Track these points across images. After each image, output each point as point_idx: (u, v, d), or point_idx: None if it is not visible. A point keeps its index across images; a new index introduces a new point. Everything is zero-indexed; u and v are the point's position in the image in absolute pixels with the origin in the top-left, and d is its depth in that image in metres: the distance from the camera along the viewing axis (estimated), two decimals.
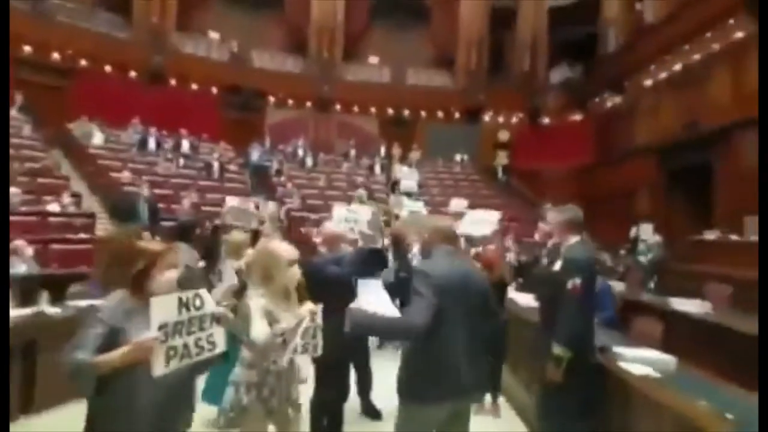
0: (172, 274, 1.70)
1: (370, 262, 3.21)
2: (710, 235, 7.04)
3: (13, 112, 10.70)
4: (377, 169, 14.75)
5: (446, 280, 1.95)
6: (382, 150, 15.90)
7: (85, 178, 10.39)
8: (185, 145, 12.59)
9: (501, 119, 17.06)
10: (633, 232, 9.72)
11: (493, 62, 17.23)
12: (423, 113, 17.24)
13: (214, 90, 15.81)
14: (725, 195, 9.50)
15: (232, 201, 5.83)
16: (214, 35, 16.78)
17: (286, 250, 2.14)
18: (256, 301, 1.99)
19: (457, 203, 6.94)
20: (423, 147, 16.20)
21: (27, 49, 12.47)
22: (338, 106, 17.19)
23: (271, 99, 16.69)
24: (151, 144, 12.19)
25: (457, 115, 17.19)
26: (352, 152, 15.74)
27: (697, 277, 5.18)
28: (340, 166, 14.87)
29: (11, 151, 8.75)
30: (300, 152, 14.76)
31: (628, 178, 12.39)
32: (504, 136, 16.83)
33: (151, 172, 10.98)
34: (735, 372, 2.54)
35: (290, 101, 16.91)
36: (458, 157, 16.18)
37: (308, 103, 17.01)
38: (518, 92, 16.63)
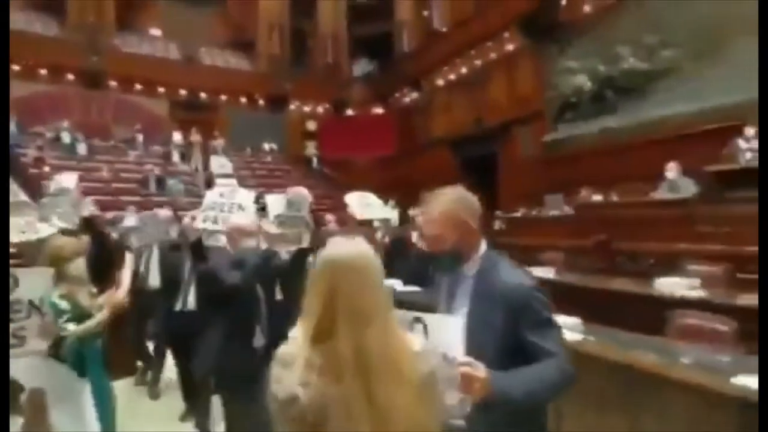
0: None
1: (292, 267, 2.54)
2: (516, 213, 8.29)
3: None
4: (175, 157, 12.74)
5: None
6: (176, 136, 13.81)
7: None
8: None
9: (307, 109, 16.82)
10: None
11: (296, 51, 16.81)
12: (223, 97, 15.66)
13: None
14: (507, 180, 11.41)
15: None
16: None
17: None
18: None
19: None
20: (226, 134, 14.75)
21: None
22: (113, 83, 14.15)
23: (14, 67, 12.61)
24: None
25: (261, 102, 16.20)
26: (139, 138, 13.22)
27: (527, 250, 5.97)
28: (126, 155, 12.31)
29: None
30: (65, 137, 11.61)
31: (427, 167, 13.74)
32: (311, 125, 16.68)
33: None
34: (595, 317, 2.90)
35: (42, 71, 13.10)
36: (266, 146, 15.30)
37: (69, 76, 13.47)
38: (323, 83, 16.65)
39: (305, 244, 2.63)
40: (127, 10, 15.10)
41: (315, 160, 15.12)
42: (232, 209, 3.01)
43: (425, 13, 15.51)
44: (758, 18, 2.37)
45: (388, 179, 14.13)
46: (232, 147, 14.56)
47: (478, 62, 12.54)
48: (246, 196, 3.12)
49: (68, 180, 3.47)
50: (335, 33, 16.96)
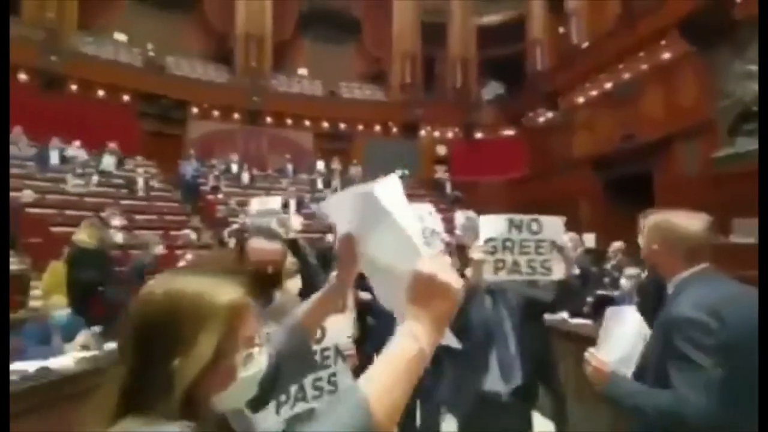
0: None
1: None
2: None
3: None
4: (319, 184, 13.86)
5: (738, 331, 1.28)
6: (320, 165, 15.06)
7: None
8: (107, 160, 10.66)
9: (438, 134, 17.14)
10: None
11: (426, 77, 17.35)
12: (360, 127, 16.74)
13: (126, 98, 13.81)
14: (666, 201, 10.20)
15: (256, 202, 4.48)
16: (120, 37, 14.80)
17: None
18: None
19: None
20: (362, 162, 15.66)
21: None
22: (269, 119, 16.03)
23: (194, 110, 15.04)
24: (54, 158, 10.13)
25: (394, 129, 16.94)
26: (289, 167, 14.68)
27: None
28: (279, 182, 13.73)
29: None
30: (234, 168, 13.38)
31: (564, 188, 12.93)
32: (442, 150, 16.92)
33: (57, 190, 9.06)
34: None
35: (215, 113, 15.40)
36: (399, 172, 15.83)
37: (236, 115, 15.62)
38: (453, 108, 16.87)
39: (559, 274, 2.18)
40: (282, 54, 17.09)
41: (447, 185, 15.22)
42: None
43: (561, 29, 14.93)
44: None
45: (520, 201, 13.63)
46: (368, 173, 15.39)
47: (626, 75, 11.61)
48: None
49: (274, 202, 3.88)
50: (464, 57, 17.15)
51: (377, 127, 16.86)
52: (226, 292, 0.73)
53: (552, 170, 13.81)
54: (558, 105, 14.08)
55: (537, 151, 14.73)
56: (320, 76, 17.40)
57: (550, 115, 14.51)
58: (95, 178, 10.04)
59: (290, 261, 2.87)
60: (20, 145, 10.24)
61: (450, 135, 17.17)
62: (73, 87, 12.92)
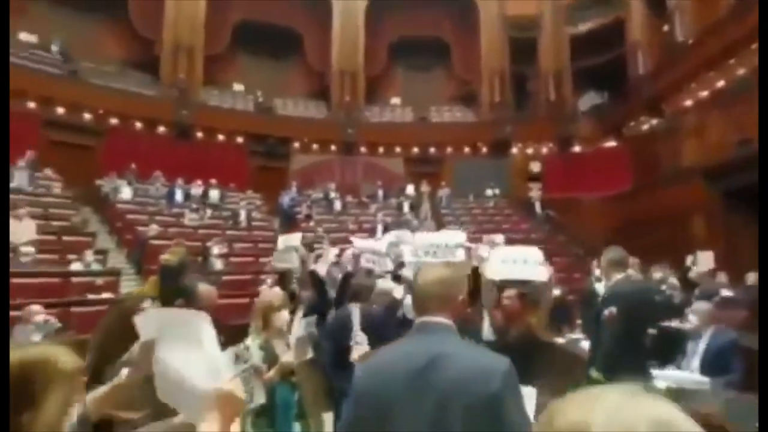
0: None
1: None
2: None
3: (48, 172, 10.87)
4: (405, 207, 14.31)
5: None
6: (409, 188, 15.54)
7: (114, 234, 10.27)
8: (213, 195, 12.47)
9: (530, 151, 16.55)
10: (689, 261, 8.80)
11: (516, 94, 16.95)
12: (449, 149, 16.91)
13: (240, 140, 15.92)
14: None
15: (359, 242, 4.59)
16: (238, 87, 17.16)
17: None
18: None
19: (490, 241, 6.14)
20: (451, 183, 15.77)
21: (60, 110, 12.79)
22: (363, 149, 17.06)
23: (296, 145, 16.69)
24: (178, 196, 12.12)
25: (484, 149, 16.79)
26: (380, 193, 15.41)
27: None
28: (368, 208, 14.50)
29: (39, 210, 8.71)
30: (331, 195, 14.53)
31: (671, 202, 11.55)
32: (536, 167, 16.27)
33: (178, 224, 10.82)
34: None
35: (315, 146, 16.88)
36: (489, 192, 15.63)
37: (333, 147, 16.94)
38: (546, 122, 16.19)
39: None
40: (374, 87, 18.13)
41: (537, 204, 14.55)
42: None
43: (665, 28, 13.55)
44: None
45: (620, 218, 12.49)
46: (458, 194, 15.45)
47: (739, 71, 10.15)
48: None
49: (295, 239, 4.35)
50: (557, 69, 16.41)
51: (466, 149, 16.86)
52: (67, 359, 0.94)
53: (659, 182, 12.44)
54: (663, 111, 12.72)
55: (641, 163, 13.39)
56: (411, 103, 18.05)
57: (654, 122, 13.15)
58: (209, 212, 11.75)
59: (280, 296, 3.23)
60: (157, 186, 12.44)
61: (544, 151, 16.44)
62: (199, 134, 15.31)
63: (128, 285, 7.27)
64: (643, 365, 2.82)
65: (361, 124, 17.03)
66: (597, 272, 5.56)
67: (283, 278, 4.23)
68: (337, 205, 14.19)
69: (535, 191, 15.61)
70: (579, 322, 5.78)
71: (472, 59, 17.43)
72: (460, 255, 3.06)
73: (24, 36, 13.25)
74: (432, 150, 17.01)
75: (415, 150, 17.06)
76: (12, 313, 4.20)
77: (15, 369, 0.90)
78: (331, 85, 17.32)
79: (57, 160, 11.51)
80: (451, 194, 15.16)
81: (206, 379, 1.01)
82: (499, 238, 6.50)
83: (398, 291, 3.10)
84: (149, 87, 14.96)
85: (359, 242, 4.43)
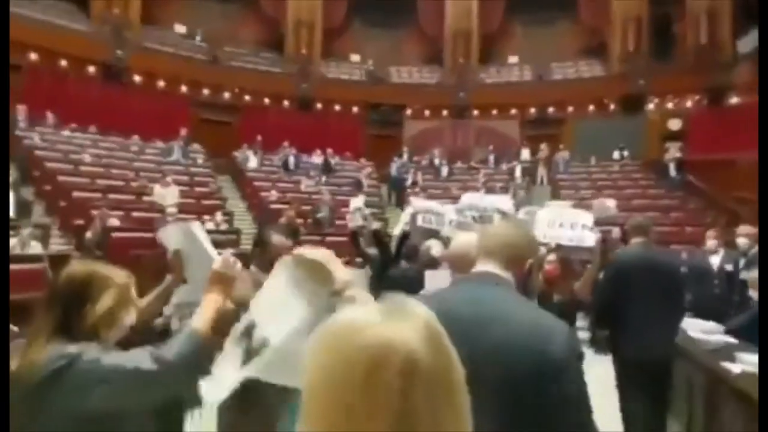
0: None
1: None
2: None
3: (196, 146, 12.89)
4: (517, 173, 13.70)
5: None
6: (524, 153, 14.78)
7: (245, 199, 11.83)
8: (328, 163, 13.47)
9: (670, 105, 14.39)
10: None
11: (655, 40, 14.71)
12: (570, 108, 15.54)
13: (355, 109, 16.67)
14: None
15: (417, 202, 4.72)
16: (355, 58, 17.82)
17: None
18: None
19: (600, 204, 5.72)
20: (572, 146, 14.57)
21: (205, 92, 14.84)
22: (476, 112, 16.58)
23: (408, 112, 16.91)
24: (291, 164, 13.27)
25: (612, 106, 15.08)
26: (491, 158, 14.96)
27: None
28: (478, 173, 14.22)
29: (186, 178, 10.42)
30: (436, 162, 14.59)
31: None
32: (675, 125, 14.14)
33: (296, 189, 11.98)
34: None
35: (427, 112, 16.91)
36: (617, 154, 14.09)
37: (444, 112, 16.78)
38: (693, 71, 13.83)
39: None
40: (490, 47, 17.31)
41: (671, 166, 12.67)
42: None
43: None
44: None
45: None
46: (578, 158, 14.26)
47: None
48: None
49: (359, 201, 4.70)
50: (712, 7, 13.75)
51: (591, 107, 15.31)
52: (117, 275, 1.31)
53: None
54: None
55: None
56: (531, 61, 16.88)
57: None
58: (323, 179, 12.75)
59: None
60: (280, 156, 13.81)
61: (688, 104, 14.16)
62: (318, 105, 16.43)
63: (247, 243, 8.44)
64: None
65: (474, 86, 16.51)
66: (710, 243, 4.87)
67: (354, 235, 4.65)
68: (444, 171, 14.19)
69: (672, 152, 13.64)
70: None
71: (602, 3, 15.52)
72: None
73: (178, 27, 15.50)
74: (551, 110, 15.82)
75: (532, 111, 16.04)
76: None
77: (83, 275, 1.25)
78: (444, 48, 17.01)
79: (203, 136, 13.53)
80: (569, 158, 14.04)
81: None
82: (611, 202, 6.07)
83: (436, 248, 3.17)
84: (275, 65, 16.40)
85: (417, 202, 4.62)
